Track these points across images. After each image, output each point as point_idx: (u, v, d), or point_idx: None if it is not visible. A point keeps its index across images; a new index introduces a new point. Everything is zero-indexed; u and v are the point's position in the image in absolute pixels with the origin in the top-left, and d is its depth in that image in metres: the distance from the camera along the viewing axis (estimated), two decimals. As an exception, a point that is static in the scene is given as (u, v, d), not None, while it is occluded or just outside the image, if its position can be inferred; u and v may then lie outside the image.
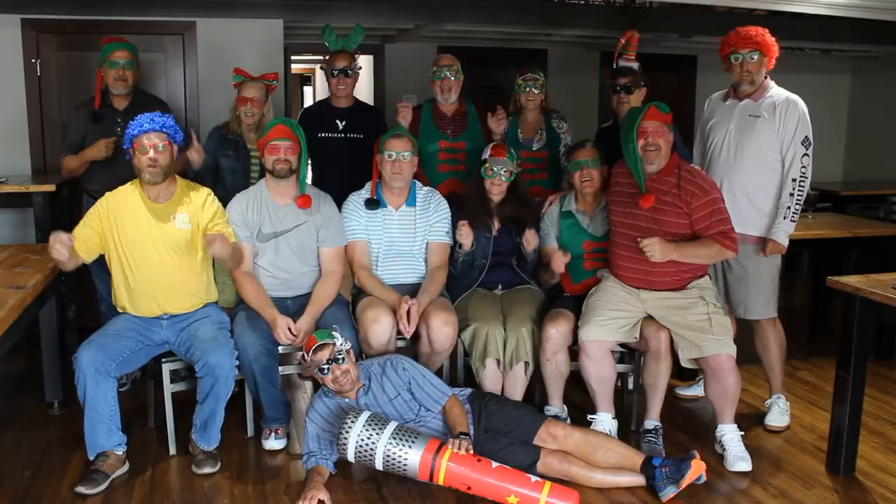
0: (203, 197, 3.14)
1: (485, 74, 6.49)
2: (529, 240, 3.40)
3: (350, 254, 3.45)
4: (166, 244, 3.05)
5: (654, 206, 3.14)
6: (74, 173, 3.85)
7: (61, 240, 2.84)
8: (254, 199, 3.33)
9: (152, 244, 3.04)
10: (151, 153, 2.96)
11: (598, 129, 4.06)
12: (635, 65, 3.77)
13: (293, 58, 6.79)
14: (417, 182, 3.56)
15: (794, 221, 3.36)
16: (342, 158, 3.83)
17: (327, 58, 3.96)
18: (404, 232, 3.46)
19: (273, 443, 3.28)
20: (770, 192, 3.39)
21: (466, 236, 3.41)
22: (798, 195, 3.33)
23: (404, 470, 2.78)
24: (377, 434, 2.76)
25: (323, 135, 3.89)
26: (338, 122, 3.92)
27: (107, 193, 3.13)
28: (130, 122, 3.03)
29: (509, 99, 3.97)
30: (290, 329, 3.16)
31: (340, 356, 2.92)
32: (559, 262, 3.32)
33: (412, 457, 2.74)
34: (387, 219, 3.45)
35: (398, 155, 3.35)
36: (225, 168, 3.69)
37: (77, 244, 2.99)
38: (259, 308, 3.23)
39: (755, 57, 3.35)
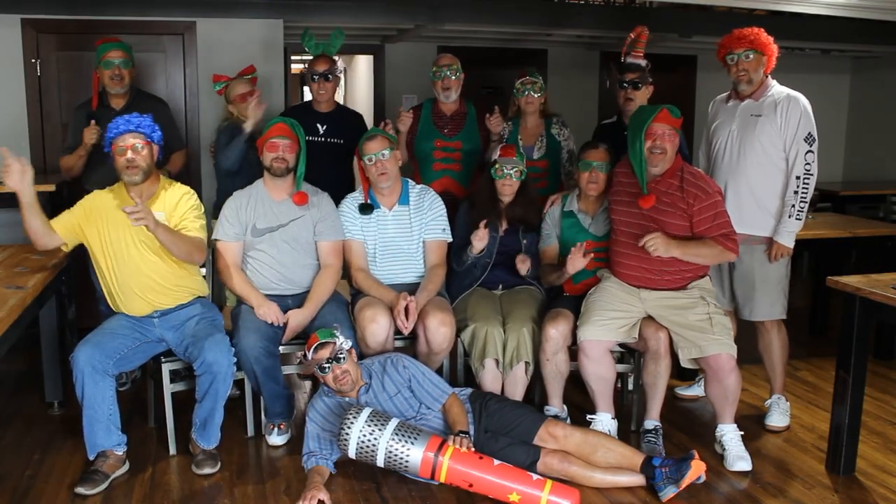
0: (179, 195, 3.14)
1: (485, 74, 6.50)
2: (520, 266, 3.40)
3: (347, 255, 3.45)
4: (144, 242, 3.05)
5: (655, 206, 3.14)
6: (72, 171, 3.86)
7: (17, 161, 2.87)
8: (249, 196, 3.36)
9: (133, 243, 3.05)
10: (129, 154, 2.98)
11: (598, 125, 4.04)
12: (643, 62, 3.75)
13: (293, 58, 6.79)
14: (410, 181, 3.56)
15: (799, 220, 3.33)
16: (322, 162, 3.81)
17: (308, 62, 3.96)
18: (400, 231, 3.46)
19: (276, 438, 3.29)
20: (776, 191, 3.38)
21: (481, 240, 3.37)
22: (803, 193, 3.30)
23: (406, 467, 2.78)
24: (379, 430, 2.76)
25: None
26: (318, 125, 3.92)
27: (95, 191, 3.15)
28: (108, 124, 3.04)
29: (509, 102, 3.96)
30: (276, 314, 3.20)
31: (341, 355, 2.93)
32: (575, 262, 3.23)
33: (414, 454, 2.75)
34: (381, 219, 3.45)
35: (377, 155, 3.35)
36: (252, 161, 3.63)
37: (58, 224, 3.06)
38: (245, 296, 3.26)
39: (751, 56, 3.35)
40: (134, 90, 3.92)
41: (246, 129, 3.64)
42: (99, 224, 3.06)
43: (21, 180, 2.88)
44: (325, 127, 3.92)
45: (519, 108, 3.87)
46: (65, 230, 3.07)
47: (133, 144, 2.98)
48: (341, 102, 4.12)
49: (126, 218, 3.00)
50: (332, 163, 3.86)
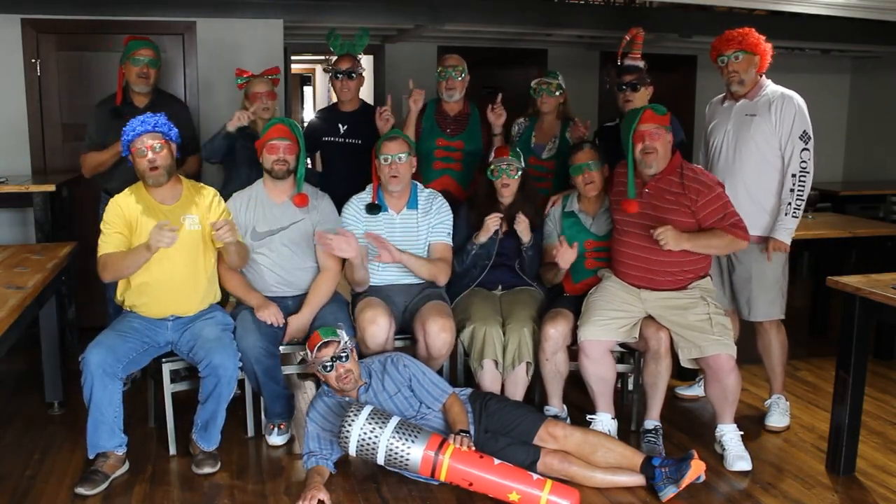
0: (210, 198, 3.16)
1: (485, 74, 6.48)
2: (520, 225, 3.36)
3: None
4: (178, 246, 3.01)
5: (657, 205, 3.15)
6: (100, 168, 3.78)
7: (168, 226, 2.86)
8: (249, 198, 3.35)
9: (172, 249, 3.00)
10: (150, 155, 2.96)
11: (599, 127, 4.05)
12: (641, 63, 3.74)
13: (293, 58, 6.80)
14: (419, 184, 3.56)
15: (796, 217, 3.34)
16: (344, 163, 3.83)
17: (332, 60, 3.96)
18: (407, 235, 3.45)
19: (276, 438, 3.29)
20: (772, 189, 3.39)
21: (495, 224, 3.35)
22: (799, 190, 3.31)
23: (406, 465, 2.78)
24: (380, 428, 2.76)
25: (327, 139, 3.90)
26: (340, 126, 3.92)
27: (115, 197, 3.10)
28: (124, 128, 3.02)
29: (527, 102, 3.96)
30: (276, 314, 3.21)
31: (344, 354, 2.93)
32: (565, 256, 3.26)
33: (414, 452, 2.75)
34: (388, 223, 3.45)
35: (394, 157, 3.35)
36: (242, 159, 3.67)
37: (123, 248, 3.02)
38: (245, 298, 3.26)
39: (739, 57, 3.36)
40: (157, 90, 3.92)
41: (228, 128, 3.61)
42: (135, 230, 3.03)
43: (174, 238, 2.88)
44: (345, 127, 3.92)
45: (537, 107, 3.88)
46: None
47: (152, 145, 2.95)
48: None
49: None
50: (350, 163, 3.85)
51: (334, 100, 4.21)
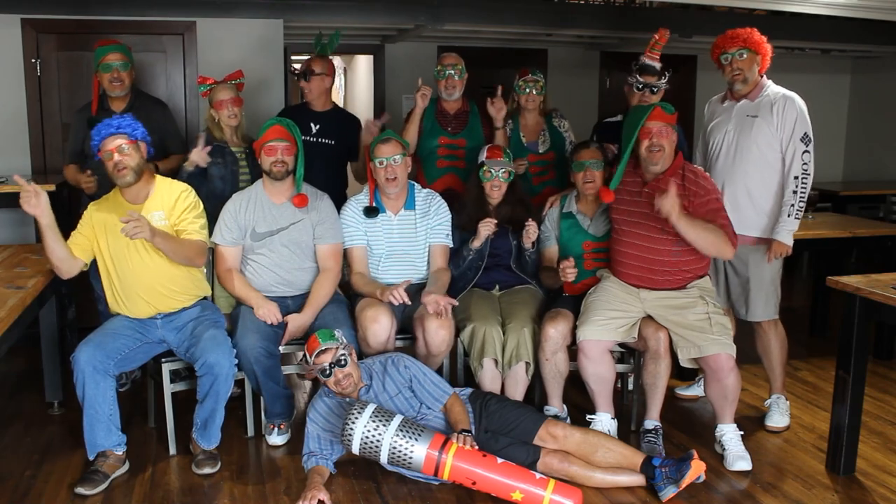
0: (177, 192, 3.12)
1: (485, 74, 6.48)
2: (530, 233, 3.37)
3: (349, 259, 3.45)
4: (146, 246, 3.02)
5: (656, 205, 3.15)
6: (77, 185, 3.79)
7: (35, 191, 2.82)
8: (248, 199, 3.35)
9: (133, 245, 3.03)
10: (116, 157, 2.94)
11: (600, 122, 4.04)
12: (658, 63, 3.73)
13: (293, 58, 6.80)
14: (416, 184, 3.56)
15: (798, 219, 3.35)
16: (317, 162, 3.80)
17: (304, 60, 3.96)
18: (405, 235, 3.46)
19: (276, 438, 3.29)
20: (771, 192, 3.39)
21: (489, 229, 3.35)
22: (801, 193, 3.32)
23: (409, 464, 2.78)
24: (384, 426, 2.76)
25: None
26: (312, 125, 3.91)
27: (91, 204, 3.12)
28: (92, 132, 3.00)
29: (509, 96, 3.97)
30: (276, 314, 3.21)
31: (343, 359, 2.92)
32: (568, 273, 3.26)
33: (418, 451, 2.75)
34: (386, 224, 3.45)
35: (389, 160, 3.35)
36: (214, 175, 3.62)
37: (74, 248, 3.03)
38: (245, 297, 3.26)
39: (744, 55, 3.36)
40: (135, 92, 3.88)
41: (187, 168, 3.47)
42: (100, 231, 3.05)
43: (36, 204, 2.83)
44: (317, 126, 3.92)
45: (519, 104, 3.88)
46: (83, 252, 3.06)
47: (119, 146, 2.94)
48: (340, 104, 4.09)
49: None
50: (322, 163, 3.84)
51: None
